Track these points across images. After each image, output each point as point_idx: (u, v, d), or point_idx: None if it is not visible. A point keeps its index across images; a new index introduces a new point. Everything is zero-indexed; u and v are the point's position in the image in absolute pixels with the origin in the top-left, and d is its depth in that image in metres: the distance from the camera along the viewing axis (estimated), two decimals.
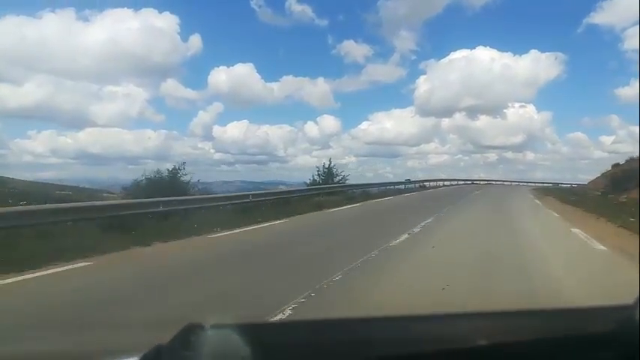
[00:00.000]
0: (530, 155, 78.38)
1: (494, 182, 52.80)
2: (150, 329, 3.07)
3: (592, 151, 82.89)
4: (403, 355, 0.69)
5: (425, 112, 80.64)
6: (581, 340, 0.71)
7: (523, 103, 74.15)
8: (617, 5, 68.33)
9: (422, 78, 76.22)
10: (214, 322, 0.71)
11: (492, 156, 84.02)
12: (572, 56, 74.46)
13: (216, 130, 79.46)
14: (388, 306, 4.09)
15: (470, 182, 48.81)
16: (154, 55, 62.58)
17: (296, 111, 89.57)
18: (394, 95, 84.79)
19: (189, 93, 79.50)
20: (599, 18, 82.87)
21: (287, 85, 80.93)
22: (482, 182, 51.33)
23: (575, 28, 78.26)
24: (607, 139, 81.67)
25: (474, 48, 65.00)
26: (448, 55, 73.76)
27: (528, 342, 0.70)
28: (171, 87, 77.98)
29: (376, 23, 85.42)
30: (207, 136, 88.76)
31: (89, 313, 3.92)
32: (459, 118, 77.21)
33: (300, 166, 77.63)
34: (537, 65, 69.63)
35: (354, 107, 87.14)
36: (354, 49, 78.87)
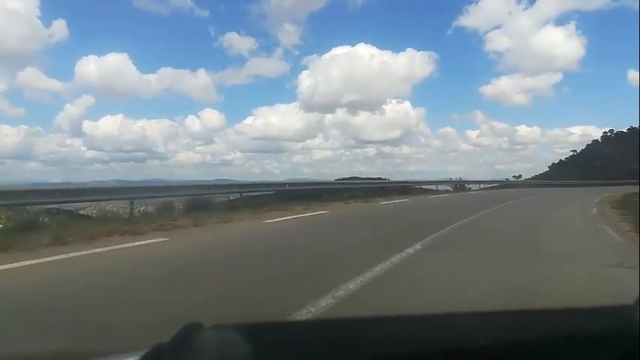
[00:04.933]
0: (405, 149, 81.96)
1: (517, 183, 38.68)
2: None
3: (459, 144, 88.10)
4: (403, 355, 0.69)
5: (309, 107, 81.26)
6: (581, 340, 0.71)
7: (400, 100, 76.32)
8: (480, 10, 73.91)
9: (304, 73, 76.80)
10: (214, 322, 0.72)
11: (371, 150, 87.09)
12: (443, 55, 78.85)
13: (87, 125, 71.77)
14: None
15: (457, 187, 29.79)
16: (8, 40, 53.91)
17: (176, 104, 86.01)
18: (278, 90, 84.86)
19: (54, 84, 69.58)
20: (466, 21, 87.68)
21: (165, 77, 74.28)
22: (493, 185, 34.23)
23: (446, 29, 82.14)
24: (472, 133, 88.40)
25: (355, 45, 65.15)
26: (330, 50, 74.13)
27: (528, 342, 0.70)
28: (32, 77, 69.43)
29: (260, 15, 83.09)
30: (77, 132, 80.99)
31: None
32: (340, 113, 78.46)
33: (183, 162, 74.01)
34: (413, 63, 71.77)
35: (238, 101, 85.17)
36: (237, 42, 75.38)
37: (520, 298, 4.14)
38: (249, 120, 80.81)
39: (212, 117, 75.61)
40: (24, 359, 1.68)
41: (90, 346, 2.80)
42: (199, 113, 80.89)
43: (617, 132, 75.82)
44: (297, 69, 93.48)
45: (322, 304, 3.97)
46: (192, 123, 74.07)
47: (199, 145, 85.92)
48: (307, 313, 3.77)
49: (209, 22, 72.61)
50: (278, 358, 0.69)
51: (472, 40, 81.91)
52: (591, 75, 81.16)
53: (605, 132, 76.98)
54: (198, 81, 71.05)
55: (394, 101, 72.98)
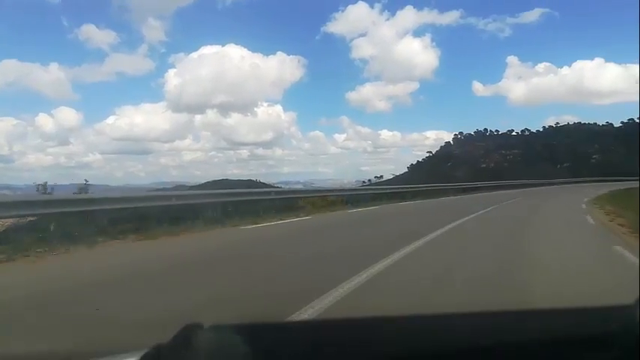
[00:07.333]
0: (278, 151, 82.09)
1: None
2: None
3: (328, 147, 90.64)
4: (403, 355, 0.69)
5: (177, 107, 79.16)
6: (581, 340, 0.71)
7: (271, 103, 76.16)
8: (347, 17, 77.28)
9: (172, 72, 73.84)
10: (214, 322, 0.72)
11: (245, 152, 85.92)
12: (312, 61, 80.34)
13: None
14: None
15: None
16: None
17: (23, 101, 77.32)
18: (144, 88, 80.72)
19: None
20: (333, 27, 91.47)
21: (10, 70, 63.86)
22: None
23: (315, 34, 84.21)
24: (339, 137, 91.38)
25: (225, 45, 62.98)
26: (199, 49, 71.75)
27: (528, 342, 0.70)
28: None
29: (121, 7, 76.09)
30: None
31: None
32: (211, 114, 76.30)
33: (32, 165, 66.12)
34: (283, 67, 72.79)
35: (98, 99, 79.52)
36: (96, 35, 67.48)
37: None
38: (110, 119, 74.51)
39: (68, 116, 68.69)
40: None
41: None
42: (52, 111, 73.13)
43: (466, 134, 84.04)
44: (163, 67, 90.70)
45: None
46: (44, 122, 66.76)
47: (52, 147, 79.56)
48: None
49: (61, 10, 64.80)
50: (278, 358, 0.69)
51: (339, 46, 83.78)
52: (443, 84, 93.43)
53: (455, 134, 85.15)
54: (51, 76, 63.71)
55: (265, 104, 72.41)
